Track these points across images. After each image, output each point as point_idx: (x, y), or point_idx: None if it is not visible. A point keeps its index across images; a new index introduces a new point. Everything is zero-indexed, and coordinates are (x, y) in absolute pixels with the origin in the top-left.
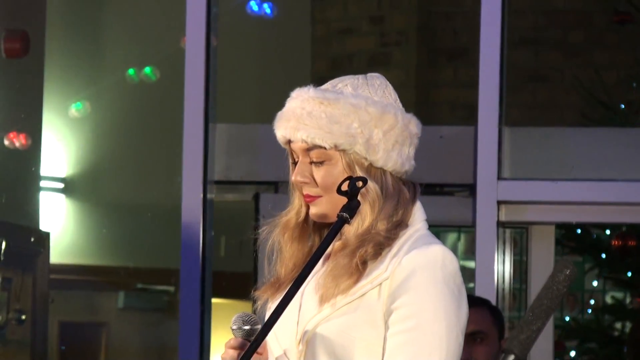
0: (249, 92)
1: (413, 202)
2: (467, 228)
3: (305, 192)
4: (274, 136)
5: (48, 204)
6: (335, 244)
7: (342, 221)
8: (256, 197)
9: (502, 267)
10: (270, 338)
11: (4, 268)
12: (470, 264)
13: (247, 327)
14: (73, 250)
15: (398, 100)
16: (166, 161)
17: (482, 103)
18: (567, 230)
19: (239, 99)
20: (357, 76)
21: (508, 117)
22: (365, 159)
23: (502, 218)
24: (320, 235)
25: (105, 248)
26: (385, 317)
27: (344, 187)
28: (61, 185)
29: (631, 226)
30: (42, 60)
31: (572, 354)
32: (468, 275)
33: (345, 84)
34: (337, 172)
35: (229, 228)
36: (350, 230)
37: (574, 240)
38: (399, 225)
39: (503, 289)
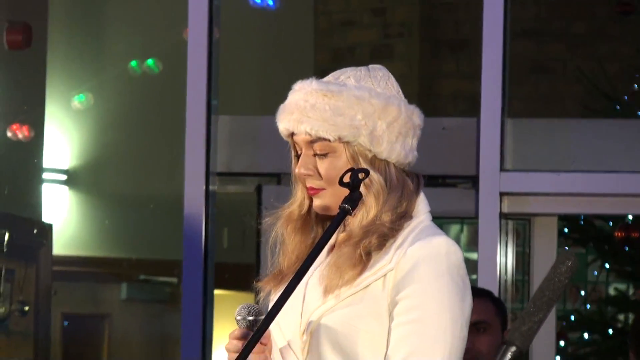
0: (251, 84)
1: (417, 193)
2: (470, 220)
3: (308, 185)
4: (276, 128)
5: (51, 196)
6: (339, 236)
7: (343, 213)
8: (258, 189)
9: (505, 258)
10: (273, 329)
11: (7, 260)
12: (473, 256)
13: (251, 318)
14: (76, 242)
15: (400, 92)
16: (168, 153)
17: (485, 95)
18: (570, 221)
19: (241, 90)
20: (359, 68)
21: (510, 108)
22: (370, 150)
23: (505, 210)
24: (323, 227)
25: (107, 240)
26: (390, 308)
27: (346, 179)
28: (64, 177)
29: (635, 217)
30: (45, 52)
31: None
32: (470, 266)
33: (347, 76)
34: (341, 164)
35: (232, 220)
36: (355, 221)
37: (577, 231)
38: (403, 216)
39: (505, 281)
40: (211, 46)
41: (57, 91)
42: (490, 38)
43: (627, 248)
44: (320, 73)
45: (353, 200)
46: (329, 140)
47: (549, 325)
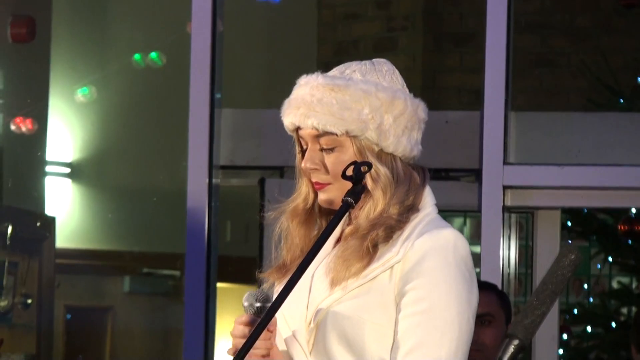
0: (254, 77)
1: (423, 186)
2: (473, 213)
3: (314, 180)
4: (279, 121)
5: (54, 189)
6: (346, 229)
7: (346, 206)
8: (261, 182)
9: (508, 252)
10: (279, 320)
11: (10, 252)
12: (476, 249)
13: (258, 305)
14: (79, 234)
15: (405, 86)
16: (172, 146)
17: (488, 88)
18: (573, 214)
19: (244, 84)
20: (363, 62)
21: (514, 102)
22: (376, 144)
23: (508, 203)
24: (327, 220)
25: (110, 233)
26: (397, 300)
27: (349, 172)
28: (67, 170)
29: (638, 210)
30: (49, 45)
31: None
32: (473, 260)
33: (353, 70)
34: (347, 158)
35: (235, 213)
36: (362, 215)
37: (580, 225)
38: (410, 209)
39: (508, 274)
40: (214, 39)
41: (61, 84)
42: (494, 31)
43: (630, 241)
44: (324, 66)
45: (356, 193)
46: (336, 135)
47: (552, 318)
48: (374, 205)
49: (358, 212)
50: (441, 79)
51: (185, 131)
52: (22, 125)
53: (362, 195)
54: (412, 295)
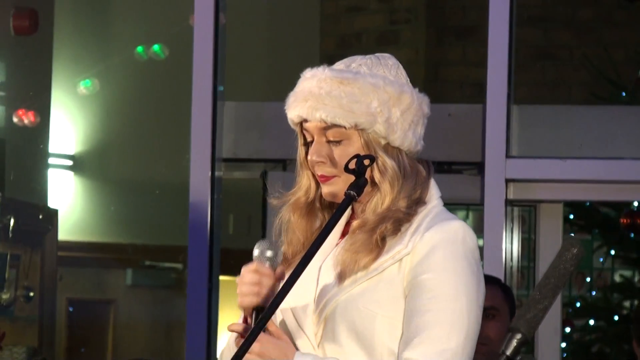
0: (257, 70)
1: (429, 179)
2: (476, 206)
3: (320, 173)
4: (282, 114)
5: (56, 182)
6: (353, 222)
7: (349, 199)
8: (264, 175)
9: (510, 245)
10: (285, 313)
11: (13, 245)
12: (478, 242)
13: (269, 254)
14: (81, 227)
15: (409, 80)
16: (174, 139)
17: (491, 81)
18: (576, 208)
19: (247, 77)
20: (367, 56)
21: (517, 95)
22: (384, 138)
23: (511, 196)
24: (329, 214)
25: (113, 225)
26: (406, 292)
27: (351, 165)
28: (70, 163)
29: None
30: (51, 37)
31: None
32: None
33: (359, 64)
34: (354, 151)
35: (237, 206)
36: (369, 208)
37: (583, 218)
38: (417, 202)
39: (511, 267)
40: (217, 32)
41: (63, 77)
42: (497, 24)
43: (632, 234)
44: (327, 59)
45: (359, 186)
46: (344, 128)
47: (555, 311)
48: (381, 199)
49: (365, 205)
50: (444, 72)
51: (187, 124)
52: (25, 117)
53: (369, 189)
54: (422, 287)
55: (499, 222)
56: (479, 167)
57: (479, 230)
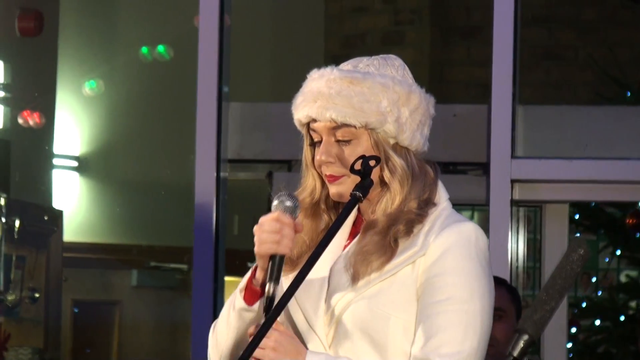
0: (262, 70)
1: (436, 181)
2: (481, 207)
3: (328, 173)
4: (287, 114)
5: (62, 182)
6: (364, 223)
7: (355, 200)
8: (269, 176)
9: (516, 245)
10: (295, 313)
11: (18, 246)
12: None
13: (289, 204)
14: (86, 228)
15: (415, 81)
16: (180, 139)
17: (496, 81)
18: (581, 208)
19: (252, 77)
20: (373, 57)
21: (522, 95)
22: (393, 137)
23: (516, 196)
24: (335, 214)
25: (118, 226)
26: (419, 293)
27: (357, 166)
28: (75, 164)
29: None
30: (56, 39)
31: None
32: None
33: (366, 64)
34: (363, 150)
35: (243, 206)
36: (380, 209)
37: (588, 218)
38: (427, 203)
39: (517, 268)
40: (222, 33)
41: (68, 78)
42: (501, 25)
43: (638, 235)
44: (331, 60)
45: (364, 187)
46: (354, 127)
47: (561, 311)
48: (391, 198)
49: (375, 206)
50: (449, 72)
51: (193, 125)
52: (30, 118)
53: (378, 189)
54: (436, 288)
55: (505, 223)
56: (484, 168)
57: (484, 231)
